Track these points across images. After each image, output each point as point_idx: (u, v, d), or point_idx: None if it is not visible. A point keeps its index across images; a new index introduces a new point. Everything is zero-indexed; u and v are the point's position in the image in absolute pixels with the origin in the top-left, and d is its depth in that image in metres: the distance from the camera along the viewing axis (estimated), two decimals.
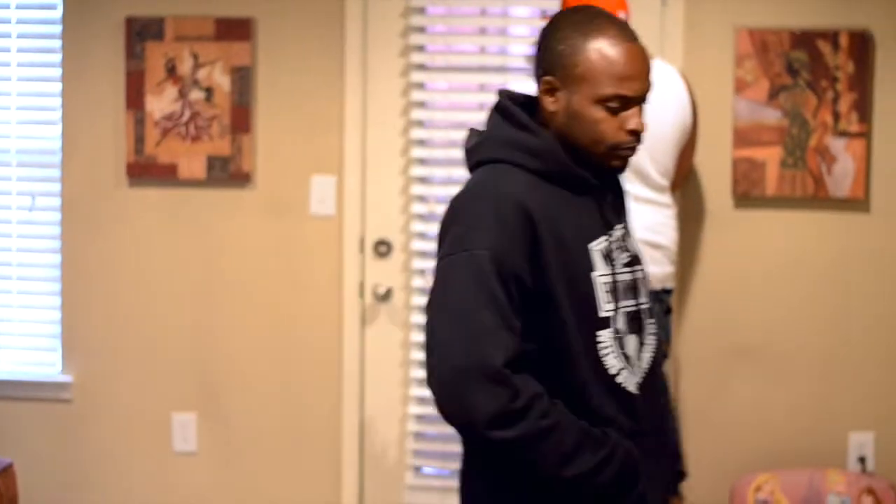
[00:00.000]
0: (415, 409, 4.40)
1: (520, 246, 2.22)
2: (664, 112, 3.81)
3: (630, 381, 2.33)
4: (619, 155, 2.32)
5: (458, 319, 2.22)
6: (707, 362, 4.34)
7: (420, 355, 4.36)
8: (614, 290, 2.33)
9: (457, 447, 4.38)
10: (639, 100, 2.31)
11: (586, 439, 2.24)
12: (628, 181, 3.75)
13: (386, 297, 4.36)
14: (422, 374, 4.36)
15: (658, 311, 3.82)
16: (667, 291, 3.87)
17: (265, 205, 4.39)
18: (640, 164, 3.78)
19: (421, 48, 4.32)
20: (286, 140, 4.38)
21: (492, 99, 4.20)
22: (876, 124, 4.22)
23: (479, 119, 4.32)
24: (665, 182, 3.85)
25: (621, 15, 3.86)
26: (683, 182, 4.08)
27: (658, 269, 3.80)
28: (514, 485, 2.29)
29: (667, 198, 3.86)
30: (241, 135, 4.35)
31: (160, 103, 4.37)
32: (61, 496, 4.53)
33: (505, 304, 2.20)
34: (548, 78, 2.30)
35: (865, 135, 4.21)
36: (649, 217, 3.78)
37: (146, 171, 4.39)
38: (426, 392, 4.36)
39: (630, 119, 2.30)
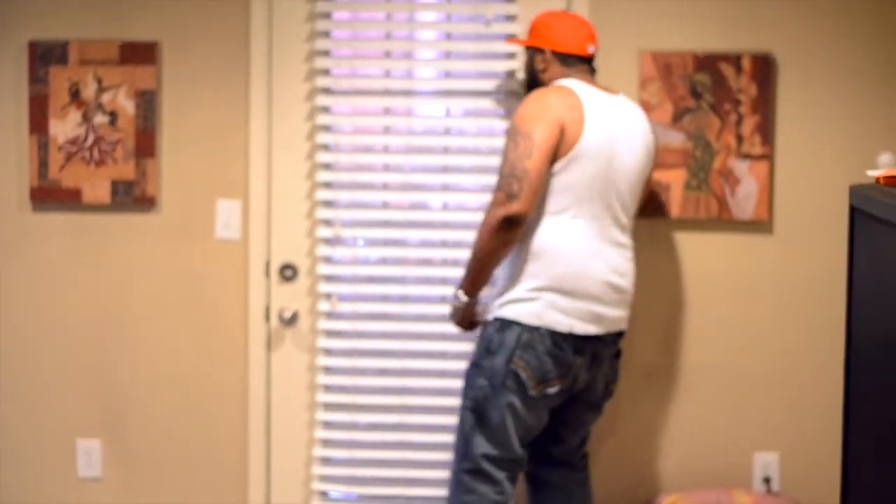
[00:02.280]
0: (322, 434, 4.38)
1: None
2: (636, 151, 3.84)
3: None
4: None
5: None
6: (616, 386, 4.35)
7: (326, 379, 4.35)
8: None
9: (364, 471, 4.39)
10: None
11: None
12: (616, 220, 3.79)
13: (292, 321, 4.34)
14: (328, 398, 4.35)
15: (609, 354, 3.85)
16: (620, 335, 3.89)
17: (170, 229, 4.37)
18: (625, 202, 3.81)
19: (326, 72, 4.31)
20: (191, 164, 4.36)
21: (398, 122, 4.23)
22: (778, 147, 4.25)
23: (385, 142, 4.34)
24: (628, 221, 3.87)
25: (591, 49, 3.91)
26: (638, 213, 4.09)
27: (618, 313, 3.81)
28: None
29: (628, 238, 3.87)
30: (145, 159, 4.33)
31: (64, 127, 4.34)
32: None
33: None
34: None
35: (768, 157, 4.24)
36: (615, 259, 3.78)
37: (50, 196, 4.36)
38: (333, 416, 4.38)
39: None
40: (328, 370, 4.37)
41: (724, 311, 4.32)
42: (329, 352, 4.37)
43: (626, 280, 3.83)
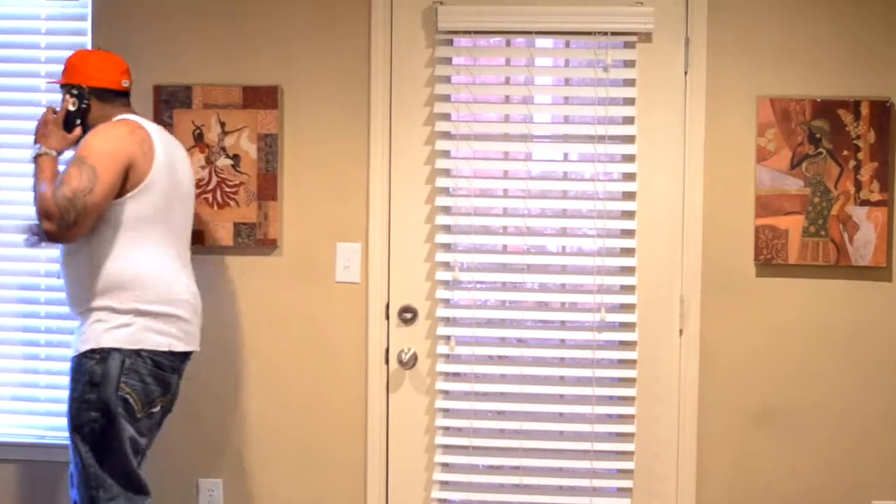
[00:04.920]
0: (439, 476, 4.40)
1: None
2: (190, 182, 4.03)
3: None
4: None
5: None
6: (730, 427, 4.35)
7: (444, 422, 4.37)
8: None
9: None
10: None
11: None
12: (185, 245, 3.98)
13: (411, 363, 4.38)
14: (446, 440, 4.37)
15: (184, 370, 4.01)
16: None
17: (291, 271, 4.42)
18: (187, 229, 4.00)
19: (446, 116, 4.36)
20: (312, 207, 4.41)
21: (516, 166, 4.24)
22: None
23: (504, 186, 4.38)
24: (189, 246, 4.06)
25: (126, 83, 3.96)
26: None
27: (198, 331, 3.99)
28: None
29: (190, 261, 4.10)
30: (267, 202, 4.39)
31: None
32: None
33: None
34: None
35: (887, 203, 4.24)
36: (190, 281, 3.96)
37: None
38: (451, 458, 4.40)
39: None
40: (446, 412, 4.39)
41: (841, 356, 4.32)
42: (447, 394, 4.40)
43: (199, 300, 3.97)
